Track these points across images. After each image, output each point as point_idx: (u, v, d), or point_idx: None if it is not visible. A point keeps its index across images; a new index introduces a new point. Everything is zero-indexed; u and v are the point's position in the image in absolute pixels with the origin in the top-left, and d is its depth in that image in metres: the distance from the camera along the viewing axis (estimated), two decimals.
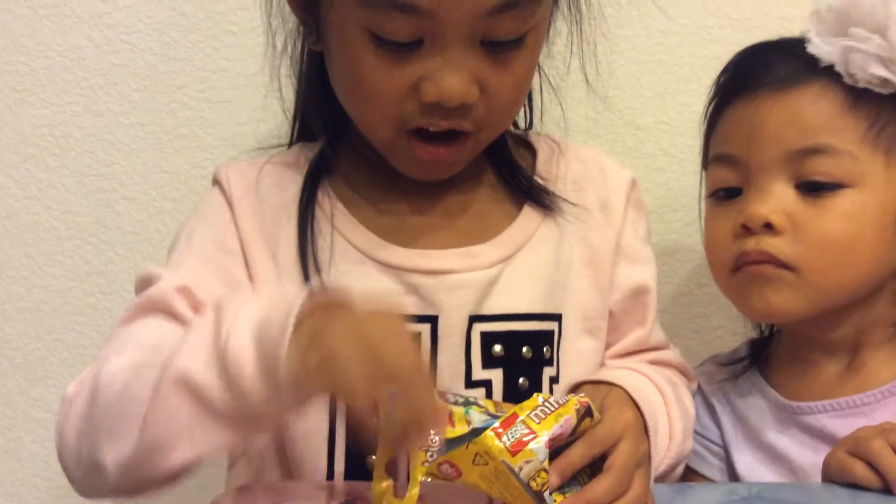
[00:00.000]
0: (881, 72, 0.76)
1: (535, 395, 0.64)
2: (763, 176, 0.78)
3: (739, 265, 0.79)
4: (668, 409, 0.77)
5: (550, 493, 0.61)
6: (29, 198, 1.02)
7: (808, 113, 0.77)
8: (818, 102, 0.77)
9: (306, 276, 0.75)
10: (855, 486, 0.69)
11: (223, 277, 0.74)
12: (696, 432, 0.81)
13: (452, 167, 0.77)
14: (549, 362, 0.77)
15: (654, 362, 0.83)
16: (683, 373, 0.85)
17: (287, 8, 0.78)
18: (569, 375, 0.78)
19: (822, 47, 0.77)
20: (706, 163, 0.86)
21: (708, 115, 0.85)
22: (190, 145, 1.02)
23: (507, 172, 0.81)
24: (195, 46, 1.01)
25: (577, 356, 0.79)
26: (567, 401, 0.63)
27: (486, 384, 0.75)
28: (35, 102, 1.01)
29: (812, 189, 0.77)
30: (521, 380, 0.76)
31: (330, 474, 0.74)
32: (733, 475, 0.82)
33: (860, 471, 0.69)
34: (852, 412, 0.78)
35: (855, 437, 0.71)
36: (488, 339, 0.75)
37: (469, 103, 0.70)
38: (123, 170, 1.02)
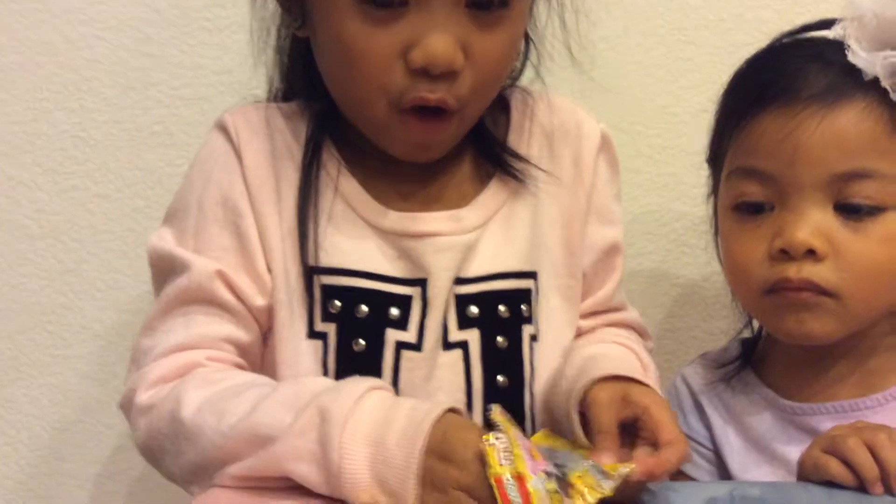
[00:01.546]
0: None
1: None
2: (800, 196, 0.75)
3: (777, 289, 0.76)
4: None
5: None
6: (0, 196, 1.01)
7: (853, 134, 0.74)
8: (863, 122, 0.74)
9: (303, 235, 0.76)
10: (830, 483, 0.69)
11: (240, 240, 0.76)
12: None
13: (440, 147, 0.77)
14: (528, 320, 0.79)
15: (617, 323, 0.85)
16: (641, 334, 0.87)
17: None
18: (545, 333, 0.79)
19: (865, 59, 0.74)
20: (716, 168, 0.83)
21: (724, 121, 0.81)
22: (164, 142, 1.01)
23: (481, 141, 0.81)
24: (169, 43, 1.00)
25: (550, 313, 0.80)
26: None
27: (463, 345, 0.77)
28: (7, 99, 1.00)
29: (852, 211, 0.74)
30: (499, 339, 0.78)
31: None
32: (726, 477, 0.82)
33: (835, 468, 0.69)
34: (854, 414, 0.78)
35: (830, 436, 0.72)
36: (464, 300, 0.77)
37: (456, 69, 0.70)
38: (96, 167, 1.01)
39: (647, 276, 1.05)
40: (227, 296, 0.74)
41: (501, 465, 0.61)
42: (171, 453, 0.71)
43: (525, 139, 0.82)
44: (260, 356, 0.78)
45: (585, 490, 0.61)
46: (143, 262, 0.98)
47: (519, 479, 0.60)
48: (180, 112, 1.01)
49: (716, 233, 0.86)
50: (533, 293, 0.79)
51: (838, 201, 0.75)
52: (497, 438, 0.62)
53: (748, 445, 0.82)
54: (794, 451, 0.76)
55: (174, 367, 0.73)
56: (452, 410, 0.65)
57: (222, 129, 0.79)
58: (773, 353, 0.85)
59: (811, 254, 0.75)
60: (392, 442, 0.63)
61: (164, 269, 0.77)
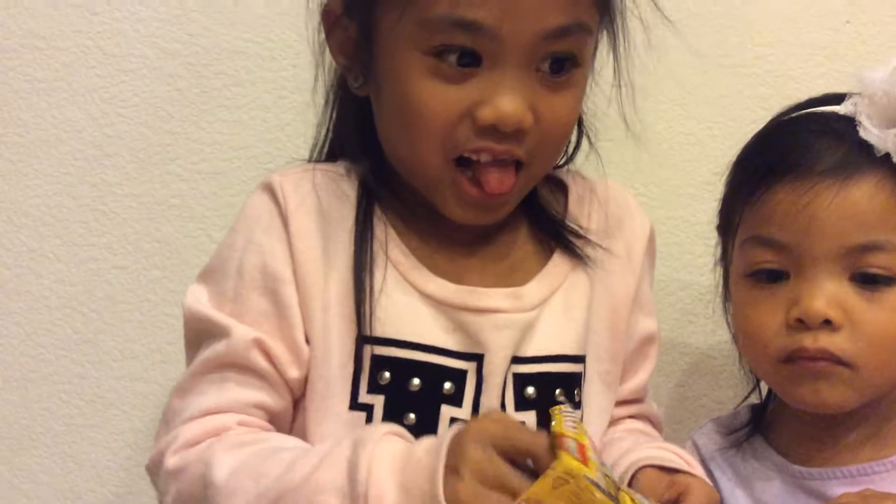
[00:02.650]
0: None
1: None
2: (816, 266, 0.77)
3: (793, 358, 0.78)
4: None
5: None
6: (20, 266, 1.03)
7: (867, 208, 0.76)
8: (877, 196, 0.76)
9: (359, 304, 0.74)
10: None
11: (278, 309, 0.74)
12: None
13: (502, 207, 0.76)
14: (579, 405, 0.78)
15: (640, 415, 0.85)
16: (656, 425, 0.87)
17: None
18: (588, 417, 0.79)
19: (877, 136, 0.76)
20: (726, 236, 0.85)
21: (737, 191, 0.83)
22: (182, 215, 1.03)
23: (539, 217, 0.81)
24: (189, 120, 1.03)
25: (591, 398, 0.80)
26: None
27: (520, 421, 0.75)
28: (30, 173, 1.03)
29: (868, 282, 0.76)
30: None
31: None
32: None
33: None
34: (863, 479, 0.78)
35: (838, 503, 0.73)
36: (521, 380, 0.76)
37: (524, 128, 0.71)
38: (115, 239, 1.03)
39: None
40: (263, 364, 0.73)
41: (566, 427, 0.61)
42: None
43: (585, 217, 0.82)
44: (290, 427, 0.76)
45: (630, 499, 0.61)
46: (160, 333, 1.03)
47: (580, 447, 0.60)
48: (198, 186, 1.04)
49: (724, 300, 0.88)
50: (581, 377, 0.79)
51: (854, 272, 0.76)
52: (569, 412, 0.63)
53: None
54: None
55: (205, 430, 0.71)
56: None
57: (269, 189, 0.77)
58: (783, 418, 0.85)
59: (827, 324, 0.76)
60: (419, 452, 0.63)
61: (200, 331, 0.75)
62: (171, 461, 0.71)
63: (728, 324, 0.87)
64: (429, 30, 0.70)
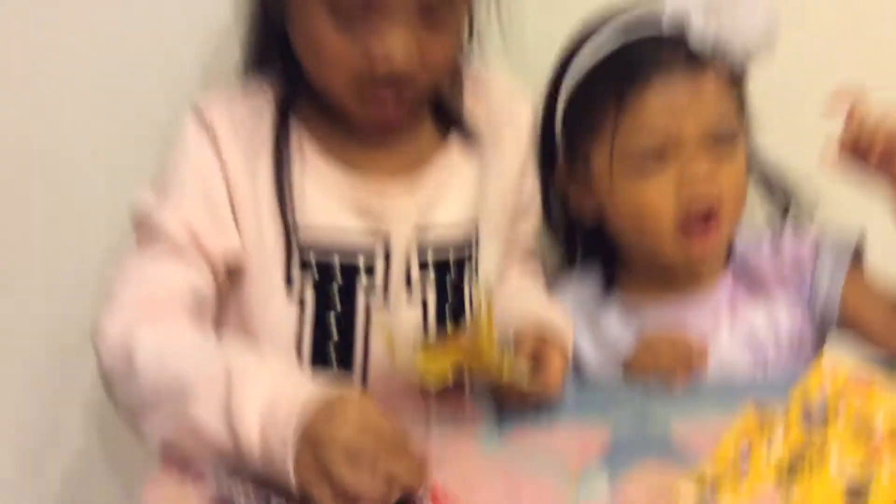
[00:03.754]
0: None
1: None
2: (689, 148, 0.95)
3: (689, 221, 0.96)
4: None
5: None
6: None
7: (713, 93, 0.95)
8: (717, 83, 0.96)
9: (282, 200, 0.91)
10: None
11: (211, 206, 0.90)
12: None
13: (400, 123, 0.93)
14: (470, 263, 0.97)
15: (534, 273, 1.06)
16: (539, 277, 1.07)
17: None
18: (484, 269, 0.98)
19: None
20: (588, 139, 0.99)
21: (602, 101, 0.96)
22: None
23: (440, 112, 0.97)
24: None
25: (489, 264, 0.99)
26: None
27: (423, 301, 0.95)
28: None
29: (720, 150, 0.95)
30: (449, 275, 0.96)
31: None
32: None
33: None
34: (676, 306, 1.01)
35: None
36: (424, 246, 0.94)
37: (411, 69, 0.85)
38: None
39: None
40: (188, 245, 0.88)
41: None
42: (121, 389, 0.82)
43: (476, 110, 0.98)
44: (218, 308, 0.92)
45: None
46: None
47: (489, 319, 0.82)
48: None
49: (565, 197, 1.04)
50: (475, 240, 0.97)
51: (713, 143, 0.95)
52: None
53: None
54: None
55: (138, 301, 0.85)
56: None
57: (197, 115, 0.92)
58: (632, 270, 1.06)
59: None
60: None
61: (143, 224, 0.90)
62: (109, 329, 0.83)
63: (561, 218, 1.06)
64: None
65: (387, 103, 0.88)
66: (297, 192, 0.91)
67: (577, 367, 1.01)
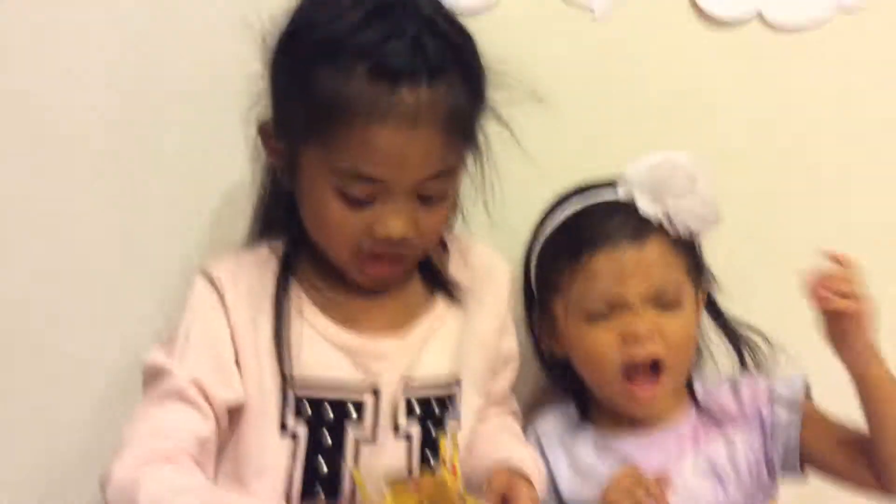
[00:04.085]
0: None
1: None
2: (635, 303, 1.04)
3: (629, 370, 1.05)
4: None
5: None
6: None
7: (659, 260, 1.05)
8: (663, 249, 1.06)
9: (280, 355, 0.98)
10: None
11: (216, 361, 0.96)
12: None
13: (394, 282, 1.02)
14: (453, 416, 1.03)
15: (504, 412, 1.12)
16: (517, 417, 1.14)
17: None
18: (465, 422, 1.04)
19: (651, 211, 1.05)
20: (549, 294, 1.09)
21: (556, 260, 1.08)
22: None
23: (428, 273, 1.06)
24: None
25: (469, 410, 1.05)
26: None
27: (407, 434, 1.01)
28: None
29: (663, 307, 1.05)
30: (432, 431, 1.02)
31: None
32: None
33: None
34: (650, 438, 1.09)
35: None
36: (411, 401, 1.01)
37: (409, 238, 0.95)
38: None
39: None
40: (196, 396, 0.93)
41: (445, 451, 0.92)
42: None
43: (461, 270, 1.07)
44: (217, 449, 0.96)
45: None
46: None
47: (453, 467, 0.91)
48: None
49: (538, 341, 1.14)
50: (457, 395, 1.04)
51: (655, 304, 1.05)
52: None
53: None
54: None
55: (146, 446, 0.90)
56: None
57: (207, 277, 1.00)
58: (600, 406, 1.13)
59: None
60: None
61: (152, 376, 0.96)
62: (117, 474, 0.88)
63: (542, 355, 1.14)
64: (337, 175, 0.93)
65: (384, 263, 0.97)
66: (294, 347, 0.98)
67: (555, 493, 1.09)
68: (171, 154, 1.14)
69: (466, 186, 1.04)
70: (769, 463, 1.08)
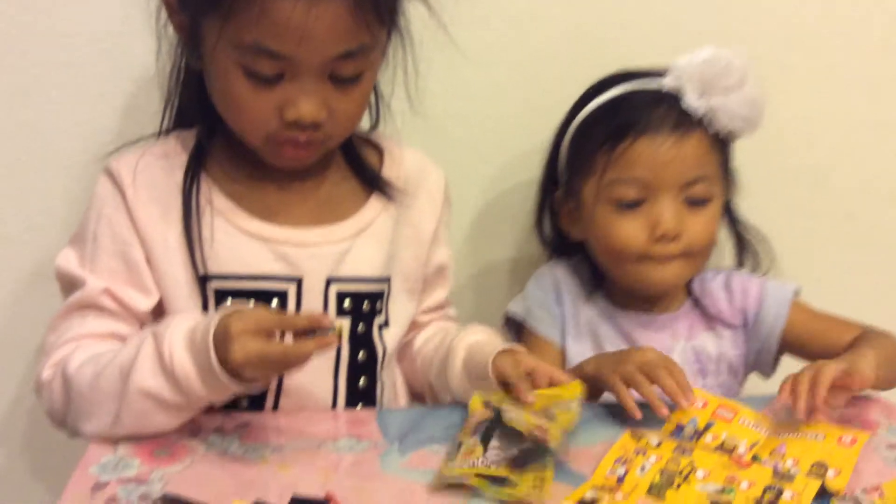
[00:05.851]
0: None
1: None
2: (665, 195, 1.06)
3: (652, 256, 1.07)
4: None
5: None
6: None
7: (695, 153, 1.06)
8: (700, 146, 1.07)
9: (192, 251, 0.96)
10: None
11: (127, 264, 0.97)
12: (541, 306, 1.15)
13: (310, 164, 1.00)
14: (380, 313, 1.05)
15: (442, 318, 1.14)
16: (456, 322, 1.15)
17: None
18: (393, 322, 1.06)
19: (695, 105, 1.05)
20: (582, 175, 1.10)
21: (594, 144, 1.08)
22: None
23: (358, 168, 1.06)
24: None
25: (398, 307, 1.06)
26: None
27: None
28: None
29: (694, 203, 1.07)
30: (360, 326, 1.03)
31: None
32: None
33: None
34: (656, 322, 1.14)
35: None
36: (341, 296, 1.01)
37: (319, 122, 0.93)
38: None
39: None
40: (113, 306, 0.95)
41: None
42: (67, 409, 0.90)
43: (395, 172, 1.07)
44: None
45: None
46: None
47: None
48: None
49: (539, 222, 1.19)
50: (385, 293, 1.05)
51: (686, 197, 1.07)
52: None
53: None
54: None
55: (69, 351, 0.93)
56: None
57: (109, 174, 0.99)
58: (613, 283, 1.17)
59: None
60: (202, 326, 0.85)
61: (67, 283, 0.98)
62: (44, 375, 0.93)
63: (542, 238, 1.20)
64: (240, 50, 0.90)
65: (298, 143, 0.95)
66: (207, 241, 0.97)
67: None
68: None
69: (388, 75, 1.02)
70: (747, 361, 1.14)
